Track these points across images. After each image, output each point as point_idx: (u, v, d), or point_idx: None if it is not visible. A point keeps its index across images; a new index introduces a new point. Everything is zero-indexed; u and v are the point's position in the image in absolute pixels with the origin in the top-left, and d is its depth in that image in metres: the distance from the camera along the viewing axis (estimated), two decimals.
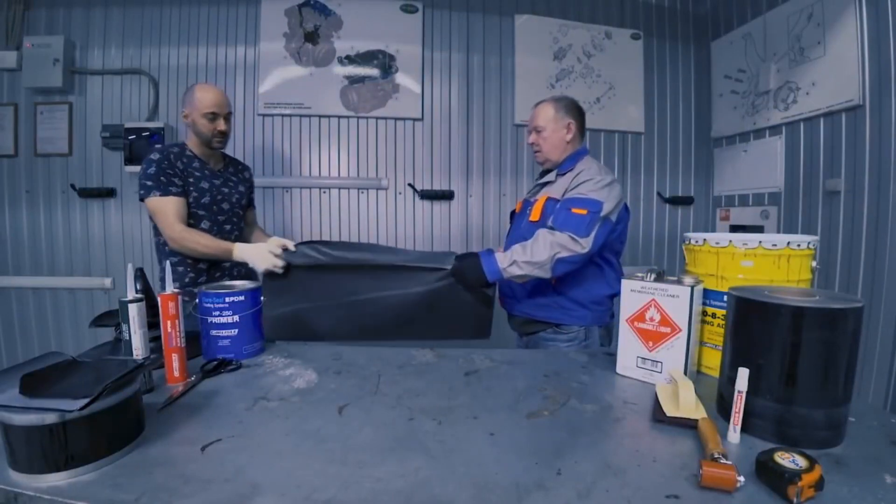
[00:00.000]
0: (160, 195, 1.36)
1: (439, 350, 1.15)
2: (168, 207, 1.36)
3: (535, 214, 1.40)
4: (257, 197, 1.87)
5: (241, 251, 1.35)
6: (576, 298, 1.38)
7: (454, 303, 1.32)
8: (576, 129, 1.45)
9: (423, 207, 2.44)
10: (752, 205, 2.31)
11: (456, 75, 2.43)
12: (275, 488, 0.57)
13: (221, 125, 1.45)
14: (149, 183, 1.36)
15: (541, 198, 1.42)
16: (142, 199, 1.39)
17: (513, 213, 1.64)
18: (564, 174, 1.41)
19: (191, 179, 1.44)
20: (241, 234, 1.62)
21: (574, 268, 1.26)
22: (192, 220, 1.44)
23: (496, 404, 0.84)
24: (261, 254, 1.30)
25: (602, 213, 1.25)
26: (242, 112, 2.31)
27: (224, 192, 1.53)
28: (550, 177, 1.46)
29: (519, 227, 1.49)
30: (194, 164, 1.47)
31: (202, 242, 1.37)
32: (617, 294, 1.36)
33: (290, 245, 1.31)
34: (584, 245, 1.22)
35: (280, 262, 1.28)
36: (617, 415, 0.80)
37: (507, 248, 1.51)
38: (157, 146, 1.49)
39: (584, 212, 1.24)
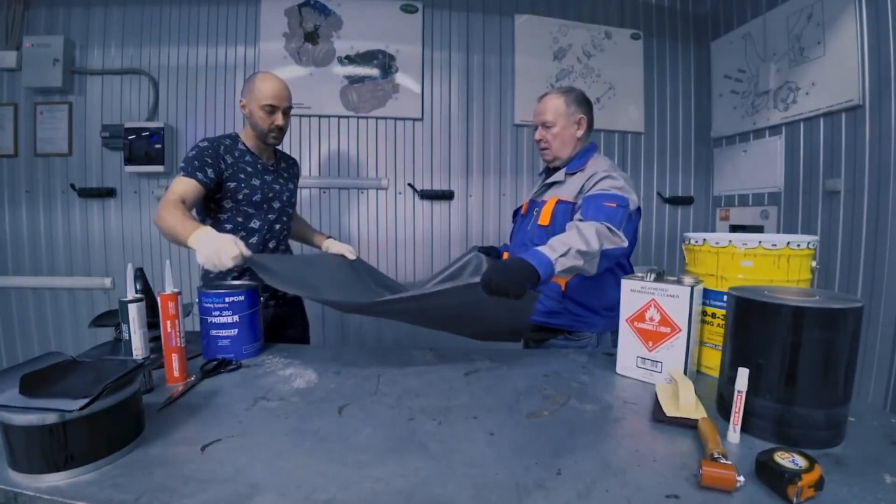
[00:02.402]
0: (183, 175, 1.26)
1: (439, 350, 1.14)
2: (179, 186, 1.24)
3: (544, 218, 1.31)
4: None
5: (197, 237, 1.05)
6: (588, 305, 1.31)
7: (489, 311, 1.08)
8: (586, 124, 1.36)
9: (422, 207, 2.43)
10: (752, 205, 2.31)
11: (456, 75, 2.43)
12: (275, 488, 0.57)
13: (279, 120, 1.36)
14: (182, 164, 1.28)
15: (550, 200, 1.33)
16: None
17: (516, 213, 1.56)
18: (574, 173, 1.32)
19: (241, 175, 1.36)
20: (290, 234, 1.56)
21: (610, 264, 1.11)
22: (241, 219, 1.36)
23: (496, 404, 0.84)
24: (219, 246, 1.01)
25: (630, 209, 1.17)
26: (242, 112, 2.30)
27: (275, 188, 1.45)
28: (559, 176, 1.36)
29: (525, 230, 1.40)
30: (246, 159, 1.38)
31: (167, 218, 1.13)
32: None
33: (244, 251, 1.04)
34: (621, 236, 1.08)
35: (225, 265, 1.00)
36: (617, 415, 0.80)
37: (511, 251, 1.44)
38: (210, 136, 1.40)
39: (613, 205, 1.14)
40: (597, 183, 1.22)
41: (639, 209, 1.32)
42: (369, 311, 1.28)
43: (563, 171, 1.37)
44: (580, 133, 1.36)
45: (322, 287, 1.24)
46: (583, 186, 1.27)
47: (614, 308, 1.28)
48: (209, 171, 1.29)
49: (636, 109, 2.56)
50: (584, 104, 1.38)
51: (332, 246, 1.53)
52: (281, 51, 2.29)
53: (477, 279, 0.92)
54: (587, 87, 2.49)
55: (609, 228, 1.07)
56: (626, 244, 1.08)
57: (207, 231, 1.06)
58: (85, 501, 0.54)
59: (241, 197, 1.36)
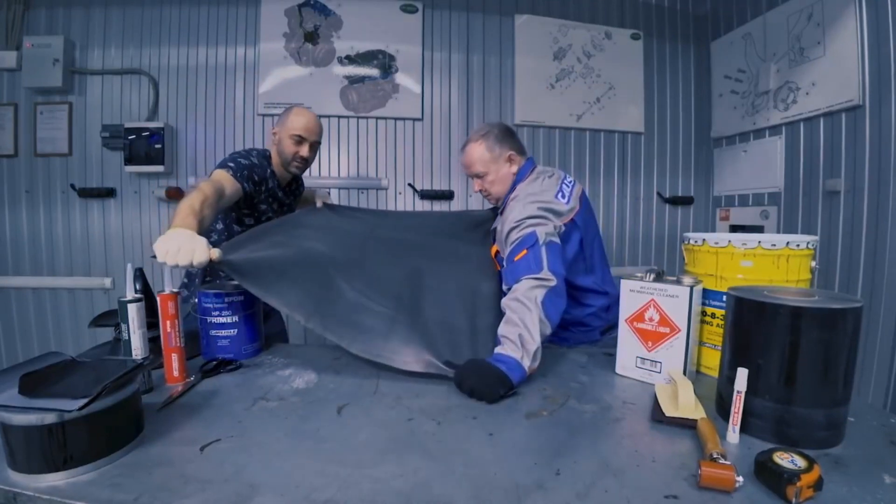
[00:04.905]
0: (232, 175, 1.25)
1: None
2: (225, 181, 1.22)
3: (496, 265, 1.31)
4: None
5: (173, 232, 0.92)
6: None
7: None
8: (517, 155, 1.32)
9: (422, 207, 2.43)
10: (752, 205, 2.31)
11: (456, 75, 2.43)
12: (274, 488, 0.57)
13: (305, 151, 1.42)
14: (231, 164, 1.28)
15: (494, 246, 1.31)
16: (215, 169, 1.30)
17: None
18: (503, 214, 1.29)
19: (270, 199, 1.44)
20: None
21: (562, 301, 1.05)
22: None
23: (495, 405, 0.84)
24: (182, 245, 0.89)
25: (541, 242, 1.09)
26: (242, 112, 2.31)
27: (284, 213, 1.54)
28: (497, 222, 1.34)
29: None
30: (272, 185, 1.44)
31: (186, 198, 1.04)
32: (607, 306, 1.28)
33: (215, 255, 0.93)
34: (547, 276, 1.03)
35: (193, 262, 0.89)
36: (616, 415, 0.80)
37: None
38: (256, 151, 1.43)
39: (524, 252, 1.09)
40: (506, 238, 1.17)
41: (573, 225, 1.22)
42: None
43: (498, 215, 1.35)
44: (515, 168, 1.32)
45: (300, 293, 1.07)
46: (502, 239, 1.22)
47: (584, 322, 1.30)
48: (252, 185, 1.33)
49: (636, 109, 2.56)
50: (507, 139, 1.33)
51: (319, 195, 1.57)
52: (281, 51, 2.29)
53: (451, 372, 0.93)
54: (587, 87, 2.49)
55: (530, 279, 1.03)
56: (554, 282, 1.03)
57: (187, 231, 0.93)
58: (84, 501, 0.54)
59: (263, 219, 1.43)
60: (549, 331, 1.00)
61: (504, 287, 1.11)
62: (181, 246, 0.88)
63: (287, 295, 1.02)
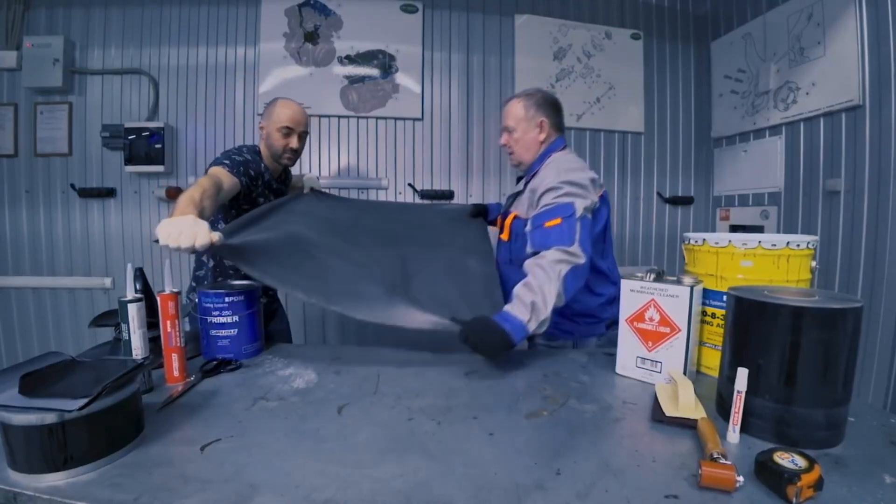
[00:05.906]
0: (228, 171, 1.27)
1: (439, 350, 1.14)
2: (223, 176, 1.23)
3: (505, 233, 1.34)
4: None
5: (177, 217, 0.92)
6: (562, 312, 1.22)
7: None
8: (549, 126, 1.32)
9: None
10: (752, 205, 2.31)
11: (456, 75, 2.43)
12: (274, 488, 0.57)
13: (294, 142, 1.42)
14: (226, 161, 1.29)
15: (511, 213, 1.33)
16: (209, 167, 1.30)
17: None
18: (529, 182, 1.31)
19: (267, 192, 1.46)
20: None
21: (583, 280, 1.08)
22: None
23: (495, 404, 0.84)
24: (184, 229, 0.88)
25: (577, 215, 1.11)
26: (242, 112, 2.31)
27: None
28: (520, 186, 1.36)
29: (498, 247, 1.40)
30: (266, 179, 1.45)
31: (188, 191, 1.05)
32: (614, 297, 1.29)
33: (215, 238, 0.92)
34: (577, 253, 1.06)
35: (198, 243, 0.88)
36: (616, 415, 0.80)
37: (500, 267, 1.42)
38: (246, 147, 1.44)
39: (557, 221, 1.10)
40: (540, 199, 1.18)
41: (602, 200, 1.25)
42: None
43: (523, 180, 1.37)
44: (542, 136, 1.33)
45: (303, 274, 1.10)
46: (532, 199, 1.24)
47: (592, 314, 1.31)
48: (248, 180, 1.34)
49: (636, 109, 2.56)
50: (547, 107, 1.34)
51: (307, 183, 1.61)
52: (281, 51, 2.29)
53: (457, 327, 1.00)
54: (587, 87, 2.49)
55: (561, 251, 1.06)
56: (582, 260, 1.06)
57: (190, 216, 0.91)
58: (84, 501, 0.54)
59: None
60: (562, 304, 1.04)
61: (529, 249, 1.13)
62: (183, 230, 0.88)
63: (286, 275, 1.04)
